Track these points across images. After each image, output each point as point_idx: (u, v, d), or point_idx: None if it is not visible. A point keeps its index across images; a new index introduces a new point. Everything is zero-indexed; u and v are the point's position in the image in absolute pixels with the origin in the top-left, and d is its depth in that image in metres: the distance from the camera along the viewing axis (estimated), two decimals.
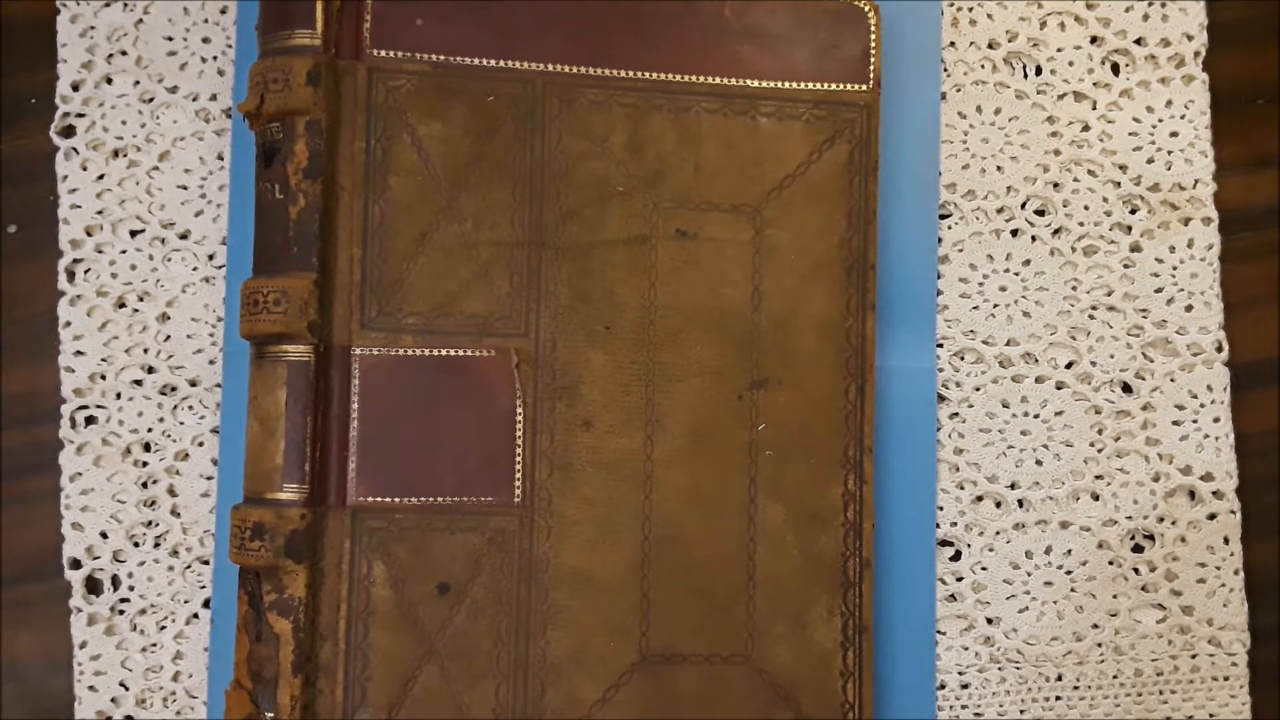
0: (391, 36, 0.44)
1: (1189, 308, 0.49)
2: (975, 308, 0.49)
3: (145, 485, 0.47)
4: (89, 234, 0.48)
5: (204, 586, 0.47)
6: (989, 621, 0.48)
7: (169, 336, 0.48)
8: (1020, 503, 0.49)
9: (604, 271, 0.44)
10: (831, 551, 0.45)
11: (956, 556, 0.49)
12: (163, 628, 0.47)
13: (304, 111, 0.42)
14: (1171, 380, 0.49)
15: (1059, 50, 0.50)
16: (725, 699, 0.44)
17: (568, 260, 0.44)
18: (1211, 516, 0.49)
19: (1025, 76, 0.50)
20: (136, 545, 0.47)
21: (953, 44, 0.50)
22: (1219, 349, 0.49)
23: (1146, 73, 0.50)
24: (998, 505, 0.49)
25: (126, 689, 0.47)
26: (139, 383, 0.47)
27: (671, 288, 0.45)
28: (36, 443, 0.47)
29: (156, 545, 0.47)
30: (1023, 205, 0.50)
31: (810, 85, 0.46)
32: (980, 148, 0.50)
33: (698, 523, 0.44)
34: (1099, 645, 0.48)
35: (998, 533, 0.48)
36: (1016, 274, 0.49)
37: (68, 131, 0.48)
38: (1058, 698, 0.48)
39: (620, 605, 0.44)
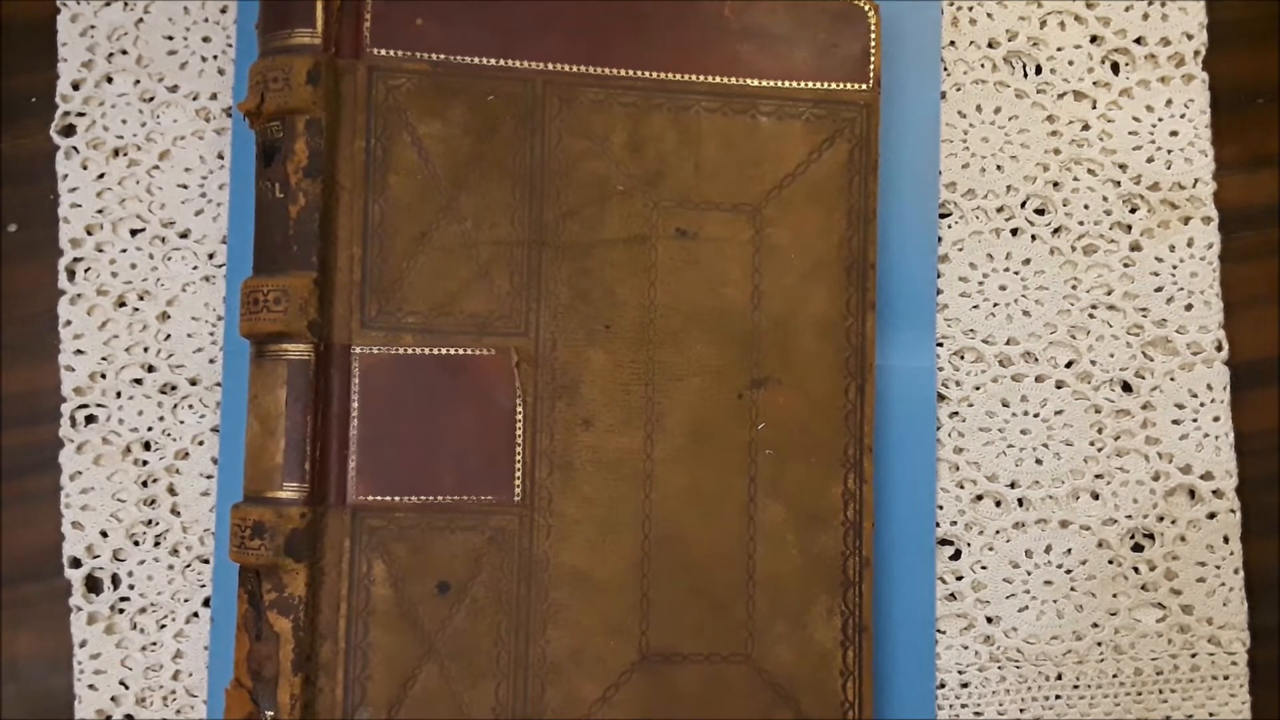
0: (391, 36, 0.44)
1: (1189, 307, 0.49)
2: (975, 307, 0.49)
3: (145, 484, 0.47)
4: (89, 233, 0.48)
5: (204, 585, 0.47)
6: (989, 620, 0.48)
7: (169, 335, 0.48)
8: (1020, 502, 0.49)
9: (604, 271, 0.44)
10: (831, 551, 0.45)
11: (956, 555, 0.49)
12: (163, 626, 0.47)
13: (304, 110, 0.42)
14: (1171, 379, 0.49)
15: (1059, 49, 0.50)
16: (725, 699, 0.44)
17: (568, 259, 0.44)
18: (1211, 516, 0.49)
19: (1025, 76, 0.50)
20: (136, 544, 0.47)
21: (953, 43, 0.50)
22: (1219, 348, 0.49)
23: (1146, 72, 0.50)
24: (998, 504, 0.49)
25: (126, 688, 0.47)
26: (139, 381, 0.47)
27: (671, 287, 0.45)
28: (36, 442, 0.47)
29: (156, 544, 0.47)
30: (1022, 204, 0.50)
31: (810, 84, 0.46)
32: (980, 147, 0.50)
33: (698, 522, 0.44)
34: (1099, 644, 0.48)
35: (997, 532, 0.48)
36: (1016, 273, 0.49)
37: (68, 131, 0.48)
38: (1058, 697, 0.48)
39: (620, 605, 0.44)
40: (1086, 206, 0.49)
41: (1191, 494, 0.49)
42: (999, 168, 0.49)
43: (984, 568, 0.48)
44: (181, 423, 0.47)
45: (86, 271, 0.48)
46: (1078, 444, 0.49)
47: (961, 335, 0.49)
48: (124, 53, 0.48)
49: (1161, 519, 0.49)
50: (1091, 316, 0.49)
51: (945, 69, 0.50)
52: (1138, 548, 0.49)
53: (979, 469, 0.49)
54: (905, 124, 0.49)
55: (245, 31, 0.48)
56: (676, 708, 0.43)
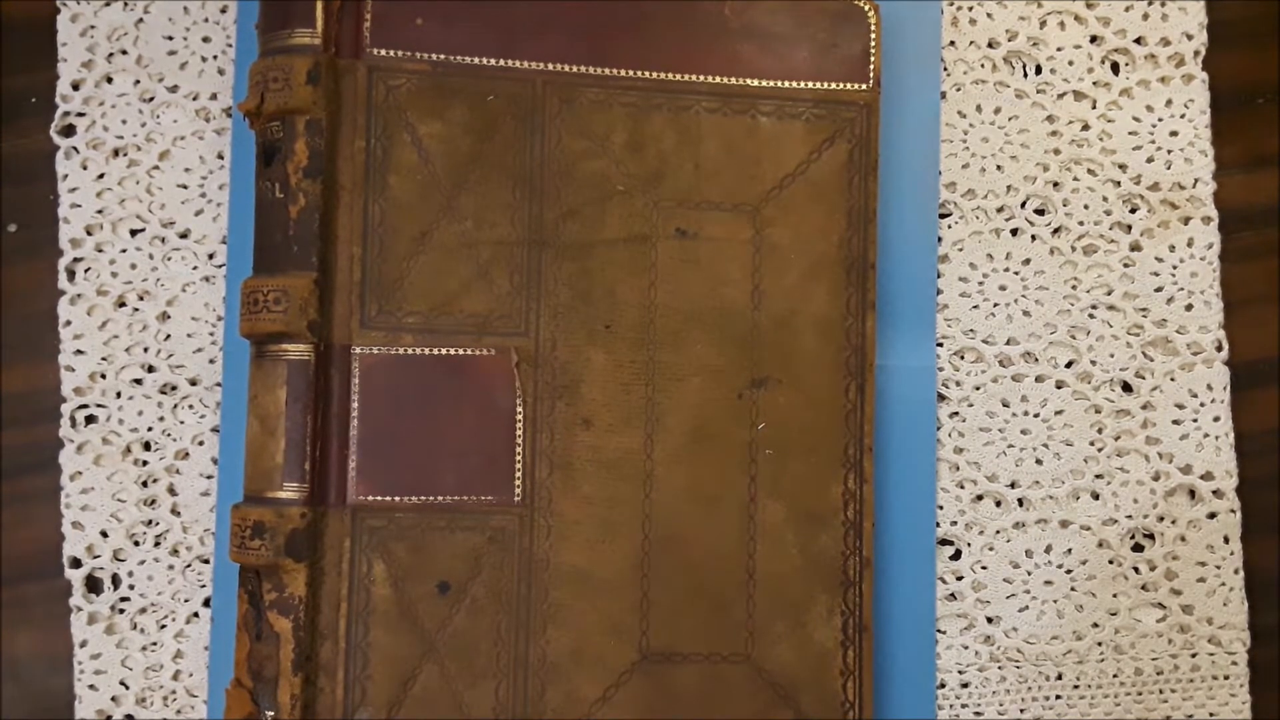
0: (391, 36, 0.44)
1: (1189, 307, 0.49)
2: (975, 307, 0.49)
3: (145, 484, 0.47)
4: (89, 233, 0.48)
5: (204, 585, 0.47)
6: (989, 620, 0.48)
7: (169, 335, 0.48)
8: (1020, 502, 0.49)
9: (604, 271, 0.44)
10: (831, 550, 0.45)
11: (956, 555, 0.49)
12: (163, 626, 0.47)
13: (304, 111, 0.42)
14: (1171, 379, 0.49)
15: (1059, 49, 0.50)
16: (725, 698, 0.44)
17: (568, 259, 0.44)
18: (1211, 515, 0.49)
19: (1025, 76, 0.50)
20: (137, 544, 0.47)
21: (953, 43, 0.50)
22: (1219, 348, 0.49)
23: (1146, 72, 0.50)
24: (998, 504, 0.49)
25: (127, 688, 0.47)
26: (139, 382, 0.47)
27: (671, 287, 0.45)
28: (36, 442, 0.47)
29: (157, 544, 0.47)
30: (1023, 204, 0.50)
31: (810, 84, 0.46)
32: (980, 147, 0.50)
33: (698, 522, 0.44)
34: (1099, 644, 0.48)
35: (998, 532, 0.48)
36: (1016, 273, 0.49)
37: (68, 131, 0.48)
38: (1058, 697, 0.48)
39: (620, 605, 0.44)
40: (1086, 206, 0.49)
41: (1192, 494, 0.49)
42: (999, 168, 0.49)
43: (984, 568, 0.48)
44: (181, 423, 0.47)
45: (86, 271, 0.48)
46: (1078, 444, 0.49)
47: (962, 335, 0.49)
48: (124, 53, 0.48)
49: (1162, 519, 0.49)
50: (1091, 316, 0.49)
51: (945, 69, 0.50)
52: (1138, 548, 0.49)
53: (979, 469, 0.49)
54: (905, 124, 0.49)
55: (245, 31, 0.48)
56: (676, 708, 0.43)
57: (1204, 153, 0.50)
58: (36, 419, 0.47)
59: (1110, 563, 0.49)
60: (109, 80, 0.48)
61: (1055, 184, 0.50)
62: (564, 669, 0.43)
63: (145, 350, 0.48)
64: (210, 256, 0.48)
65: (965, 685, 0.48)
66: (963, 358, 0.49)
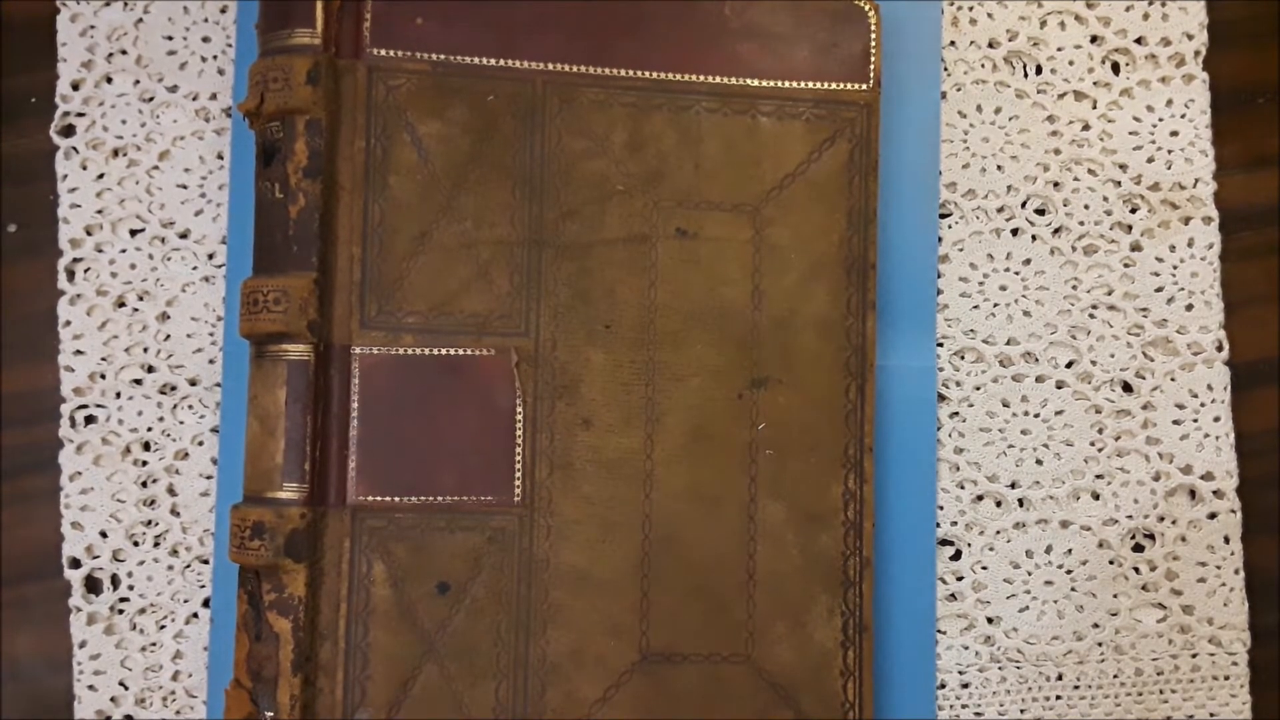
0: (391, 35, 0.44)
1: (1189, 307, 0.49)
2: (975, 307, 0.49)
3: (145, 484, 0.47)
4: (89, 233, 0.48)
5: (204, 586, 0.47)
6: (989, 621, 0.48)
7: (169, 336, 0.48)
8: (1020, 502, 0.49)
9: (604, 271, 0.44)
10: (832, 551, 0.45)
11: (957, 556, 0.49)
12: (162, 627, 0.47)
13: (304, 111, 0.42)
14: (1172, 379, 0.49)
15: (1059, 49, 0.50)
16: (725, 699, 0.44)
17: (568, 259, 0.44)
18: (1212, 516, 0.49)
19: (1025, 76, 0.50)
20: (136, 544, 0.47)
21: (953, 43, 0.50)
22: (1219, 348, 0.49)
23: (1147, 72, 0.50)
24: (998, 504, 0.49)
25: (126, 688, 0.47)
26: (139, 382, 0.47)
27: (671, 287, 0.45)
28: (36, 442, 0.47)
29: (156, 544, 0.47)
30: (1023, 204, 0.50)
31: (810, 84, 0.46)
32: (980, 147, 0.50)
33: (698, 522, 0.44)
34: (1099, 644, 0.48)
35: (998, 532, 0.48)
36: (1017, 273, 0.49)
37: (68, 131, 0.48)
38: (1058, 697, 0.48)
39: (620, 605, 0.43)
40: (1087, 206, 0.49)
41: (1192, 494, 0.49)
42: (999, 168, 0.49)
43: (984, 568, 0.48)
44: (181, 423, 0.47)
45: (86, 272, 0.48)
46: (1078, 444, 0.49)
47: (962, 335, 0.49)
48: (124, 53, 0.48)
49: (1162, 519, 0.49)
50: (1092, 317, 0.49)
51: (945, 69, 0.50)
52: (1138, 548, 0.49)
53: (979, 469, 0.49)
54: (905, 124, 0.49)
55: (245, 31, 0.48)
56: (676, 708, 0.43)
57: (1204, 153, 0.50)
58: (36, 419, 0.47)
59: (1111, 563, 0.48)
60: (109, 80, 0.48)
61: (1056, 184, 0.50)
62: (564, 669, 0.43)
63: (145, 350, 0.48)
64: (210, 256, 0.48)
65: (965, 686, 0.48)
66: (963, 358, 0.49)
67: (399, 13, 0.44)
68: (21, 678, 0.47)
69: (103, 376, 0.47)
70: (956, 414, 0.49)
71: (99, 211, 0.48)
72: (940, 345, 0.49)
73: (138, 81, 0.48)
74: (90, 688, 0.46)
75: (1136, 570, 0.49)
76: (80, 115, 0.48)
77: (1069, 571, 0.48)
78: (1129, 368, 0.49)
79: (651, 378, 0.44)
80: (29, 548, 0.47)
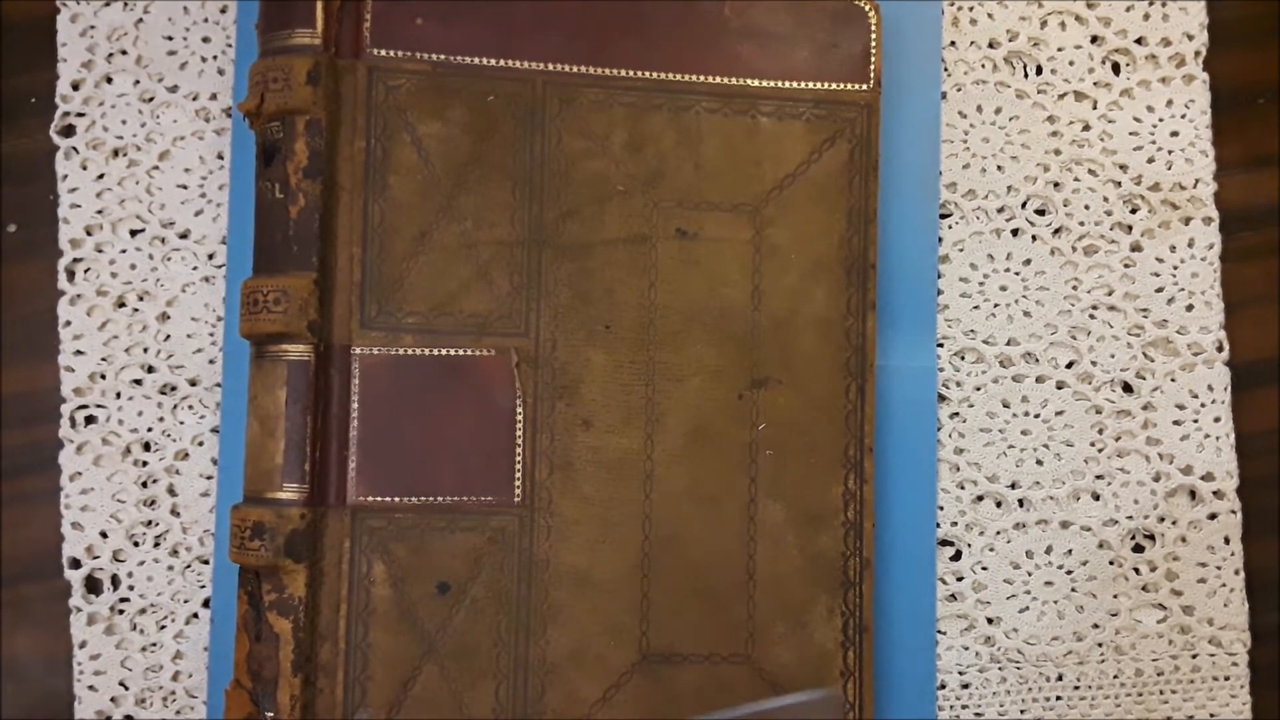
0: (391, 36, 0.44)
1: (1189, 307, 0.49)
2: (976, 307, 0.49)
3: (145, 485, 0.47)
4: (89, 233, 0.48)
5: (204, 586, 0.47)
6: (989, 621, 0.48)
7: (169, 336, 0.48)
8: (1021, 502, 0.49)
9: (604, 271, 0.44)
10: (832, 551, 0.44)
11: (957, 556, 0.49)
12: (162, 627, 0.47)
13: (304, 111, 0.42)
14: (1172, 380, 0.49)
15: (1059, 50, 0.50)
16: (725, 699, 0.44)
17: (568, 260, 0.44)
18: (1212, 516, 0.49)
19: (1026, 76, 0.50)
20: (136, 545, 0.47)
21: (953, 43, 0.50)
22: (1219, 349, 0.49)
23: (1147, 72, 0.50)
24: (998, 505, 0.49)
25: (126, 688, 0.47)
26: (139, 382, 0.47)
27: (671, 287, 0.45)
28: (36, 442, 0.47)
29: (156, 545, 0.47)
30: (1023, 205, 0.50)
31: (810, 85, 0.46)
32: (981, 147, 0.50)
33: (698, 522, 0.44)
34: (1099, 645, 0.48)
35: (998, 532, 0.48)
36: (1017, 273, 0.49)
37: (68, 131, 0.48)
38: (1058, 698, 0.48)
39: (620, 605, 0.43)
40: (1087, 207, 0.49)
41: (1192, 495, 0.49)
42: (999, 168, 0.49)
43: (984, 568, 0.48)
44: (181, 423, 0.47)
45: (86, 272, 0.48)
46: (1078, 445, 0.49)
47: (962, 336, 0.49)
48: (124, 53, 0.48)
49: (1162, 520, 0.49)
50: (1092, 317, 0.49)
51: (946, 69, 0.50)
52: (1138, 548, 0.49)
53: (979, 469, 0.49)
54: (906, 124, 0.49)
55: (245, 31, 0.48)
56: (676, 708, 0.43)
57: (1204, 153, 0.50)
58: (36, 419, 0.47)
59: (1111, 563, 0.48)
60: (109, 80, 0.48)
61: (1056, 184, 0.50)
62: (564, 669, 0.43)
63: (145, 350, 0.48)
64: (210, 257, 0.48)
65: (965, 686, 0.48)
66: (963, 358, 0.49)
67: (399, 13, 0.44)
68: (21, 678, 0.47)
69: (103, 377, 0.47)
70: (956, 414, 0.49)
71: (99, 211, 0.48)
72: (940, 345, 0.49)
73: (138, 81, 0.48)
74: (90, 688, 0.46)
75: (1137, 571, 0.49)
76: (80, 115, 0.48)
77: (1069, 572, 0.48)
78: (1129, 368, 0.49)
79: (651, 378, 0.44)
80: (29, 548, 0.47)
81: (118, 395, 0.47)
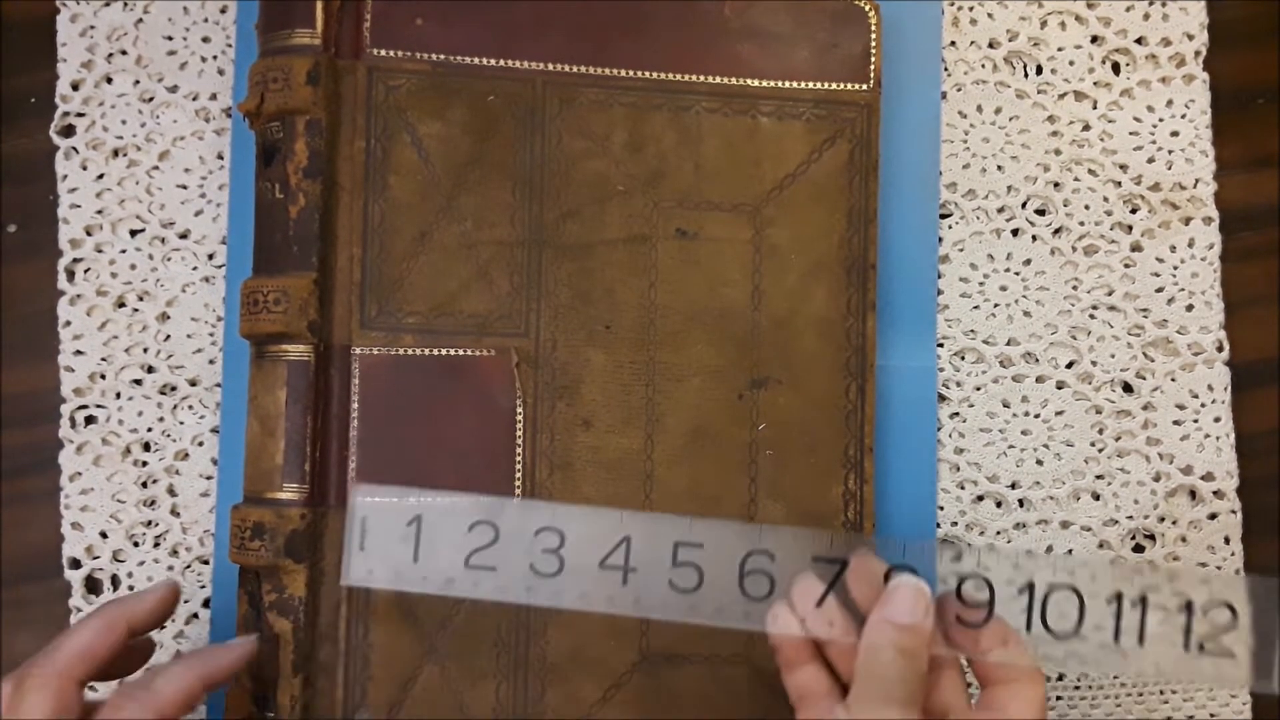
0: (391, 36, 0.44)
1: (1190, 307, 0.49)
2: (976, 307, 0.49)
3: (145, 485, 0.47)
4: (89, 233, 0.48)
5: (204, 586, 0.47)
6: None
7: (169, 336, 0.48)
8: (1021, 502, 0.49)
9: (604, 271, 0.44)
10: None
11: (958, 557, 0.48)
12: (163, 628, 0.47)
13: (304, 111, 0.42)
14: (1172, 380, 0.49)
15: (1059, 50, 0.50)
16: (725, 699, 0.44)
17: (568, 260, 0.44)
18: (1212, 516, 0.49)
19: (1026, 76, 0.50)
20: (136, 545, 0.47)
21: (953, 43, 0.50)
22: (1220, 349, 0.49)
23: (1147, 72, 0.50)
24: (998, 505, 0.49)
25: None
26: (139, 382, 0.47)
27: (671, 287, 0.45)
28: (36, 442, 0.47)
29: (156, 545, 0.47)
30: (1023, 205, 0.50)
31: (810, 85, 0.46)
32: (981, 147, 0.50)
33: None
34: None
35: (998, 532, 0.48)
36: (1017, 273, 0.49)
37: (68, 131, 0.48)
38: (1059, 697, 0.48)
39: None
40: (1087, 207, 0.49)
41: (1192, 495, 0.49)
42: (999, 168, 0.49)
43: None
44: (181, 423, 0.47)
45: (86, 272, 0.48)
46: (1078, 445, 0.49)
47: (962, 335, 0.49)
48: (124, 53, 0.48)
49: (1162, 520, 0.49)
50: (1092, 317, 0.49)
51: (946, 69, 0.50)
52: (1139, 548, 0.49)
53: (980, 469, 0.49)
54: (906, 124, 0.49)
55: (245, 31, 0.48)
56: (676, 708, 0.43)
57: (1204, 153, 0.50)
58: (36, 419, 0.47)
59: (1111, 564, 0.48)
60: (109, 80, 0.48)
61: (1056, 184, 0.50)
62: (564, 669, 0.43)
63: (145, 351, 0.47)
64: (210, 257, 0.48)
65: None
66: (963, 358, 0.49)
67: (399, 13, 0.44)
68: None
69: (103, 377, 0.47)
70: (957, 414, 0.49)
71: (99, 212, 0.48)
72: (940, 345, 0.49)
73: (138, 81, 0.48)
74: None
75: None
76: (80, 115, 0.48)
77: None
78: (1129, 368, 0.49)
79: (651, 378, 0.44)
80: (29, 548, 0.47)
81: (118, 395, 0.47)
